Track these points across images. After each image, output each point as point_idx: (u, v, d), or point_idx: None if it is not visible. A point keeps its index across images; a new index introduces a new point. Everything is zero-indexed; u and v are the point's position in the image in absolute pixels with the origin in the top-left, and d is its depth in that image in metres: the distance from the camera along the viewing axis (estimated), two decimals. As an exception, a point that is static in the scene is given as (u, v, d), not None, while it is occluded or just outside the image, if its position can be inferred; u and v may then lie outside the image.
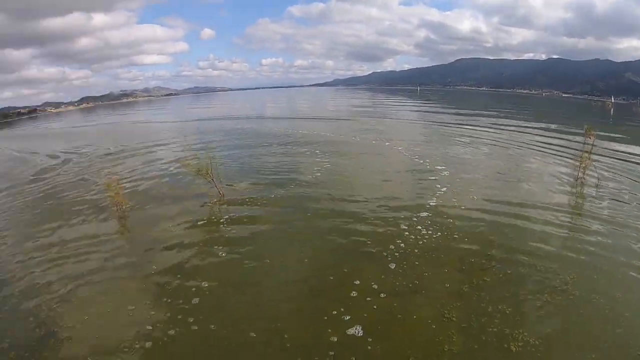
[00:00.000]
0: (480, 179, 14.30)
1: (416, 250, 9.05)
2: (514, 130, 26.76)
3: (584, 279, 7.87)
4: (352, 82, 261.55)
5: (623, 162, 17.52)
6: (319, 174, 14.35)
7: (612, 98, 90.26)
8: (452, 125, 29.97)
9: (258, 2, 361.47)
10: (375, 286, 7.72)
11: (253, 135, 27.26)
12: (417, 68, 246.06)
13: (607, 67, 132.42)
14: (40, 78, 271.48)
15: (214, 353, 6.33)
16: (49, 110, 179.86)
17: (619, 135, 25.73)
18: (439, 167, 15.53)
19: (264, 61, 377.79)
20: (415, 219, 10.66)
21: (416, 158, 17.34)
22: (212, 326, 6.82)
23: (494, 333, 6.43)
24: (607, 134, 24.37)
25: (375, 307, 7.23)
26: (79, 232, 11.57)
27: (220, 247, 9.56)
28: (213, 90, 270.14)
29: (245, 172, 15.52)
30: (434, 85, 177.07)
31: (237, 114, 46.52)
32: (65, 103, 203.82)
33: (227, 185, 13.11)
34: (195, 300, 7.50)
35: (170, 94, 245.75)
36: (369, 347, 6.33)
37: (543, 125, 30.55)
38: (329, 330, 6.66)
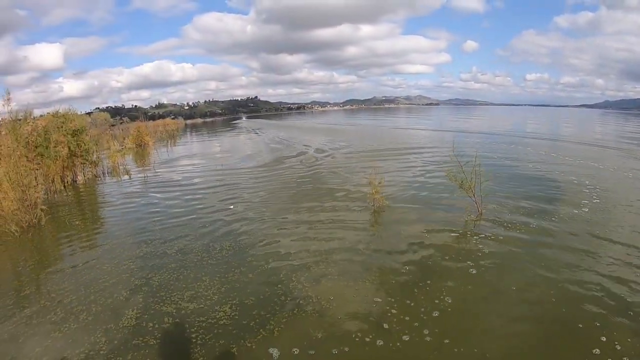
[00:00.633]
0: None
1: None
2: None
3: None
4: (624, 105, 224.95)
5: None
6: (586, 210, 12.26)
7: None
8: None
9: (521, 12, 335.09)
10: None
11: (514, 153, 25.41)
12: None
13: None
14: (310, 80, 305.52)
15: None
16: (315, 108, 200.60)
17: None
18: None
19: (528, 76, 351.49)
20: None
21: None
22: (446, 340, 6.09)
23: None
24: None
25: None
26: (332, 216, 11.97)
27: (469, 264, 8.44)
28: (473, 103, 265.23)
29: (505, 192, 14.27)
30: None
31: (499, 131, 44.48)
32: (331, 103, 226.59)
33: (486, 203, 12.18)
34: (436, 314, 6.88)
35: (431, 104, 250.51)
36: None
37: None
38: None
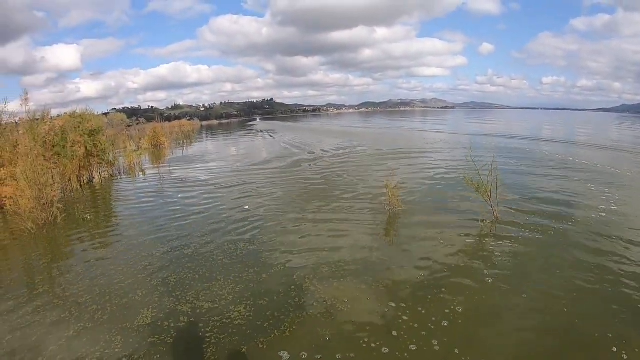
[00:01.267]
0: None
1: None
2: None
3: None
4: None
5: None
6: (603, 215, 12.06)
7: None
8: None
9: (538, 14, 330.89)
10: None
11: (530, 157, 25.12)
12: None
13: None
14: (325, 82, 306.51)
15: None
16: (330, 110, 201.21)
17: None
18: None
19: (544, 79, 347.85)
20: None
21: None
22: (456, 350, 5.99)
23: None
24: None
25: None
26: (347, 219, 11.92)
27: (483, 270, 8.23)
28: (489, 106, 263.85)
29: (521, 196, 14.07)
30: None
31: (515, 134, 44.13)
32: (346, 106, 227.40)
33: (501, 207, 12.05)
34: (446, 323, 6.80)
35: (446, 107, 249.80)
36: None
37: None
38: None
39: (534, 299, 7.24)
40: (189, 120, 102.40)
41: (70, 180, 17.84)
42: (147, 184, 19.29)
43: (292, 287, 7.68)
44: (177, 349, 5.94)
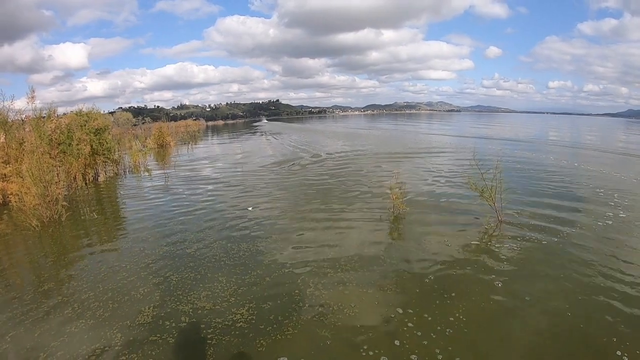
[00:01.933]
0: None
1: None
2: None
3: None
4: None
5: None
6: (610, 222, 11.99)
7: None
8: None
9: (545, 18, 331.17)
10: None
11: (536, 161, 25.02)
12: None
13: None
14: (331, 84, 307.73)
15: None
16: (336, 112, 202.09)
17: None
18: None
19: (550, 83, 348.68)
20: None
21: None
22: (458, 358, 5.96)
23: None
24: None
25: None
26: (351, 222, 11.89)
27: (489, 275, 8.13)
28: (496, 110, 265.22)
29: (526, 200, 14.00)
30: None
31: (521, 138, 44.12)
32: (352, 108, 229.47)
33: (506, 211, 12.01)
34: (450, 331, 6.76)
35: (453, 110, 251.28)
36: None
37: None
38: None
39: (539, 304, 7.19)
40: (194, 120, 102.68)
41: (75, 178, 17.91)
42: (152, 183, 19.34)
43: (296, 290, 7.64)
44: (178, 349, 5.93)
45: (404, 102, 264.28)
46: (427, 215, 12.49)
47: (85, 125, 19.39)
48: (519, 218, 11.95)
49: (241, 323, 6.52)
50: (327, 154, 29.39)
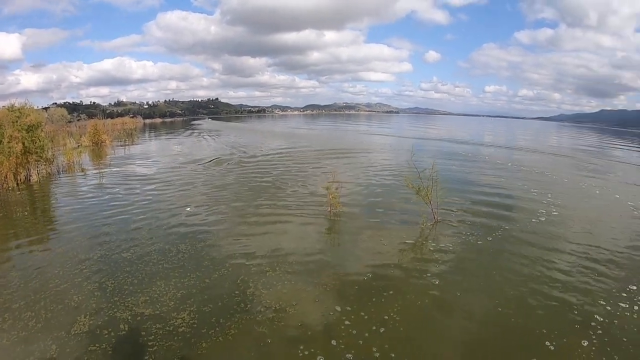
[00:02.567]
0: None
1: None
2: None
3: None
4: (579, 119, 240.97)
5: None
6: (543, 219, 12.70)
7: None
8: None
9: (484, 26, 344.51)
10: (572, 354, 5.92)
11: (472, 161, 26.24)
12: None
13: None
14: (271, 83, 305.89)
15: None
16: (275, 112, 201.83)
17: None
18: None
19: (487, 88, 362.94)
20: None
21: None
22: (392, 354, 6.02)
23: None
24: None
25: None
26: (290, 222, 12.05)
27: (423, 272, 8.62)
28: (433, 112, 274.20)
29: (462, 199, 14.57)
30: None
31: (457, 139, 45.72)
32: (292, 108, 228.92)
33: (440, 209, 12.46)
34: (383, 329, 6.50)
35: (391, 111, 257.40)
36: None
37: None
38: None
39: (471, 299, 7.63)
40: (132, 117, 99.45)
41: (6, 178, 17.02)
42: (86, 183, 18.62)
43: (236, 291, 7.68)
44: (118, 358, 5.82)
45: (344, 103, 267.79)
46: (364, 214, 12.87)
47: (17, 122, 18.47)
48: (454, 216, 12.47)
49: (183, 328, 6.48)
50: (266, 153, 29.49)
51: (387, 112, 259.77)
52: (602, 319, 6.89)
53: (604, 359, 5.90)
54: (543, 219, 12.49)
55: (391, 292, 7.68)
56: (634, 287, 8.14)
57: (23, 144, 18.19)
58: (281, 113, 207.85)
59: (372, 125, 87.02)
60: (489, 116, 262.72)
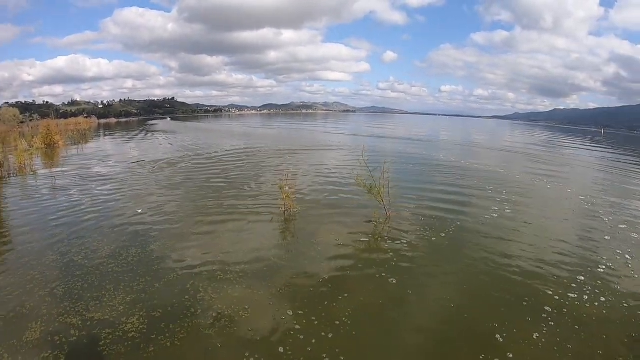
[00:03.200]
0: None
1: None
2: None
3: None
4: (532, 118, 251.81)
5: None
6: (495, 215, 13.19)
7: None
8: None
9: (441, 27, 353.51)
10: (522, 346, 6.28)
11: (425, 159, 27.01)
12: (603, 108, 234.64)
13: None
14: (228, 82, 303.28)
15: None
16: (232, 111, 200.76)
17: None
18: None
19: (443, 87, 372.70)
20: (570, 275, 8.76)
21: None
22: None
23: None
24: None
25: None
26: (243, 223, 12.08)
27: (377, 271, 8.83)
28: (390, 111, 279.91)
29: (415, 196, 15.00)
30: (619, 129, 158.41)
31: (412, 137, 46.65)
32: (249, 107, 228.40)
33: (394, 207, 12.76)
34: (331, 335, 6.53)
35: (348, 111, 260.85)
36: None
37: None
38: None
39: (424, 297, 7.97)
40: (86, 117, 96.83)
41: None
42: (38, 186, 18.12)
43: (187, 296, 7.75)
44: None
45: (301, 102, 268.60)
46: (318, 214, 13.11)
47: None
48: (408, 213, 12.88)
49: (132, 333, 6.54)
50: (221, 153, 29.49)
51: (344, 111, 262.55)
52: (552, 310, 7.33)
53: (555, 348, 6.28)
54: (496, 215, 13.03)
55: (346, 295, 7.83)
56: (582, 278, 8.64)
57: (-29, 146, 17.61)
58: (238, 113, 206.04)
59: (328, 124, 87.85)
60: (445, 115, 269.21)
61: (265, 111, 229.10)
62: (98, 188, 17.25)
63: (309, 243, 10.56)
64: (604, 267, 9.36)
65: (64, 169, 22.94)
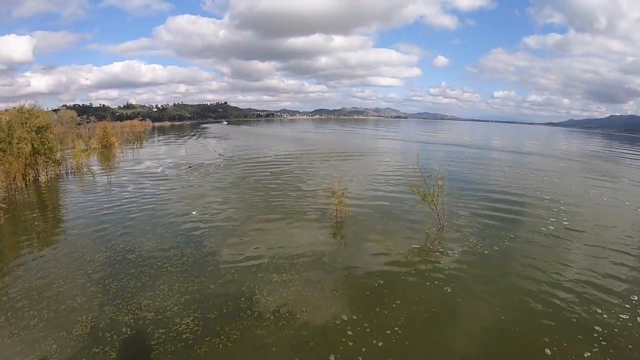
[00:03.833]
0: None
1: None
2: None
3: None
4: (588, 124, 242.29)
5: None
6: (552, 227, 12.52)
7: None
8: None
9: (492, 31, 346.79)
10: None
11: (479, 166, 26.12)
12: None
13: None
14: (280, 88, 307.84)
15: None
16: (284, 116, 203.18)
17: None
18: None
19: (495, 93, 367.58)
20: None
21: None
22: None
23: None
24: None
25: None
26: (296, 227, 11.97)
27: (427, 281, 8.44)
28: (442, 117, 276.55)
29: (469, 205, 14.49)
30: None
31: (465, 144, 45.73)
32: (300, 112, 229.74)
33: (447, 214, 12.35)
34: (381, 344, 6.24)
35: (399, 117, 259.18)
36: None
37: None
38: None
39: (477, 307, 7.49)
40: (141, 120, 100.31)
41: (15, 178, 17.13)
42: (94, 185, 18.64)
43: (242, 298, 7.56)
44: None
45: (352, 108, 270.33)
46: (370, 219, 12.76)
47: (26, 123, 18.58)
48: (461, 222, 12.37)
49: (186, 334, 6.38)
50: (274, 156, 29.69)
51: (395, 117, 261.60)
52: (603, 330, 6.76)
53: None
54: (552, 227, 12.31)
55: (398, 302, 7.54)
56: (636, 298, 7.99)
57: (32, 145, 18.31)
58: (290, 117, 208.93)
59: (379, 130, 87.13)
60: (498, 121, 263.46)
61: (317, 116, 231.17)
62: (152, 187, 17.63)
63: (362, 247, 10.26)
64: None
65: (119, 169, 23.62)
